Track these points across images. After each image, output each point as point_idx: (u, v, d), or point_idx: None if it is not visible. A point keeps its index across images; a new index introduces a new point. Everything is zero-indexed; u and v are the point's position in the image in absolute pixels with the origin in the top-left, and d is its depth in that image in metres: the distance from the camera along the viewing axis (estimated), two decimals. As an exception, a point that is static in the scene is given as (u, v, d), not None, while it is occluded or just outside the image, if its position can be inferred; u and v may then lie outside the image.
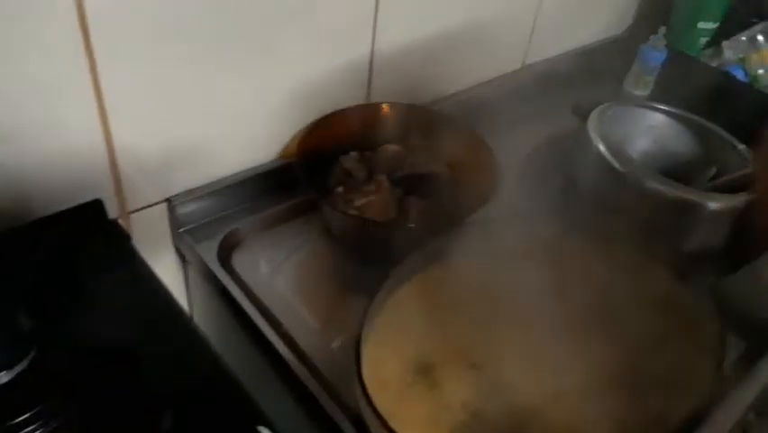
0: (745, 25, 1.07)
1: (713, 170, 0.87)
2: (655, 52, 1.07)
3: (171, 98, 0.64)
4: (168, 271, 0.76)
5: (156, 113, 0.64)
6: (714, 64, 1.08)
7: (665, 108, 0.89)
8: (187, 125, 0.67)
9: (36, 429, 0.45)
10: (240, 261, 0.71)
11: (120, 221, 0.67)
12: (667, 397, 0.56)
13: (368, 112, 0.79)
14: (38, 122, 0.56)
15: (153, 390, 0.48)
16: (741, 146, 0.86)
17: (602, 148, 0.79)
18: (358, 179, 0.74)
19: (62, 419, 0.45)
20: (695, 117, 0.89)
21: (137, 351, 0.51)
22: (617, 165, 0.77)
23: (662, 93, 1.09)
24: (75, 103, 0.57)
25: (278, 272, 0.70)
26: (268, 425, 0.49)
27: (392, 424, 0.50)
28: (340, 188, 0.73)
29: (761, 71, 1.04)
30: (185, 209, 0.71)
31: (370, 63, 0.80)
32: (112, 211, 0.66)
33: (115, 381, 0.48)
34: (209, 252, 0.70)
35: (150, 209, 0.70)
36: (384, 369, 0.57)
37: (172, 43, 0.61)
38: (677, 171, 0.85)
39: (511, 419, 0.54)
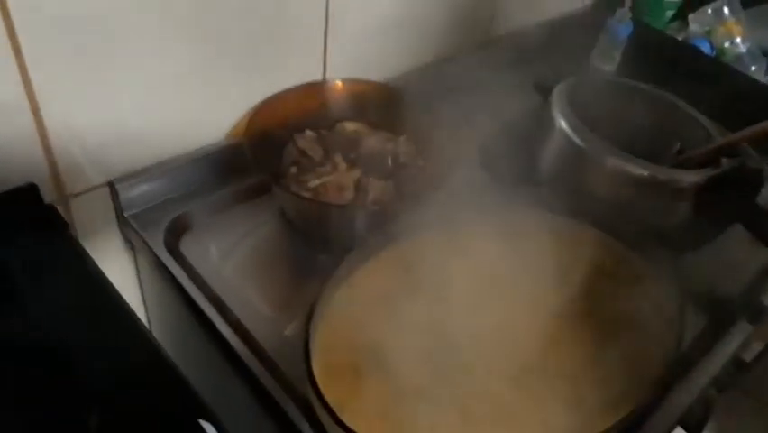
0: (710, -2, 1.05)
1: (677, 146, 0.86)
2: (621, 26, 1.05)
3: (108, 75, 0.60)
4: (117, 259, 0.73)
5: (92, 90, 0.60)
6: (680, 37, 1.07)
7: (629, 83, 0.88)
8: (128, 103, 0.63)
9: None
10: (189, 246, 0.67)
11: (58, 207, 0.64)
12: (625, 377, 0.55)
13: (323, 89, 0.76)
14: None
15: (85, 387, 0.45)
16: (705, 121, 0.84)
17: (563, 124, 0.77)
18: (313, 160, 0.71)
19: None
20: (660, 92, 0.87)
21: (70, 347, 0.48)
22: (578, 141, 0.76)
23: (629, 67, 1.07)
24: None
25: (228, 258, 0.67)
26: (210, 418, 0.47)
27: (343, 416, 0.48)
28: (293, 169, 0.70)
29: (727, 44, 1.03)
30: (129, 193, 0.67)
31: (325, 39, 0.76)
32: (48, 195, 0.62)
33: (44, 380, 0.45)
34: (156, 238, 0.66)
35: (91, 193, 0.66)
36: (335, 358, 0.55)
37: (107, 15, 0.56)
38: (641, 147, 0.83)
39: (466, 403, 0.52)
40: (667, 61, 1.01)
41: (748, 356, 0.73)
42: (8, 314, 0.50)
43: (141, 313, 0.79)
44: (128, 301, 0.55)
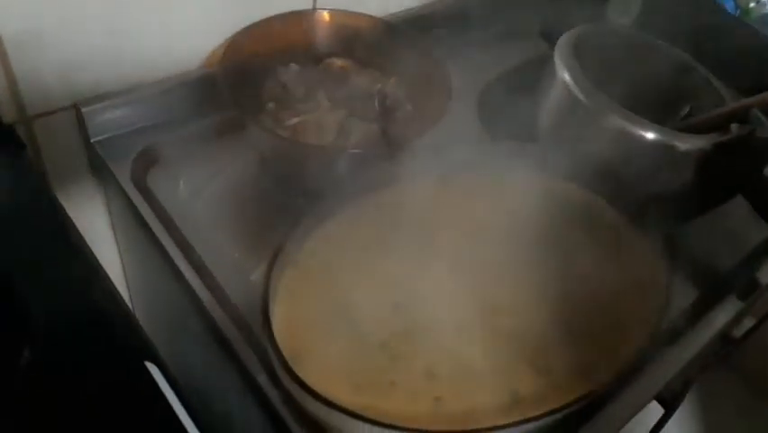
0: (741, -49, 0.98)
1: (687, 108, 0.81)
2: (642, -25, 0.98)
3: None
4: (85, 190, 0.70)
5: (55, 4, 0.55)
6: (704, -8, 1.00)
7: (643, 37, 0.82)
8: (98, 21, 0.59)
9: None
10: (156, 180, 0.64)
11: (19, 128, 0.60)
12: (599, 349, 0.52)
13: (310, 20, 0.71)
14: None
15: (28, 318, 0.42)
16: (718, 83, 0.79)
17: (567, 77, 0.72)
18: (294, 96, 0.67)
19: None
20: (675, 50, 0.82)
21: (17, 274, 0.45)
22: (582, 97, 0.71)
23: (647, 21, 1.01)
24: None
25: (197, 196, 0.63)
26: (156, 361, 0.44)
27: (299, 368, 0.46)
28: (271, 105, 0.65)
29: (752, 4, 0.96)
30: (96, 118, 0.63)
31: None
32: (8, 115, 0.58)
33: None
34: (123, 168, 0.63)
35: (55, 115, 0.62)
36: (299, 305, 0.52)
37: None
38: (650, 107, 0.79)
39: (429, 360, 0.50)
40: (688, 18, 0.95)
41: (738, 332, 0.70)
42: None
43: (111, 246, 0.76)
44: (97, 235, 0.52)
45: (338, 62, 0.71)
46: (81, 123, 0.63)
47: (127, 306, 0.48)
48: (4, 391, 0.40)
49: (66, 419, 0.41)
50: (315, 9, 0.73)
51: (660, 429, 0.64)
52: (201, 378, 0.58)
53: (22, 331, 0.41)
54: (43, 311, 0.44)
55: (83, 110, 0.62)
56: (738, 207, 0.73)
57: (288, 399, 0.48)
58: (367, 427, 0.44)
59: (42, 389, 0.40)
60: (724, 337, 0.75)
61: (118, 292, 0.48)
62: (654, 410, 0.66)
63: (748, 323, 0.68)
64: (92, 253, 0.51)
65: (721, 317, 0.64)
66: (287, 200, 0.64)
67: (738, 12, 0.98)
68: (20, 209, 0.53)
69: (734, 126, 0.71)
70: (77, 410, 0.41)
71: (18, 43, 0.55)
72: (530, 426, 0.46)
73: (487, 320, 0.53)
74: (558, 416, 0.48)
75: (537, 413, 0.46)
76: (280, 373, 0.47)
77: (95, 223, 0.71)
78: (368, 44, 0.73)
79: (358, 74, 0.71)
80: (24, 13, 0.54)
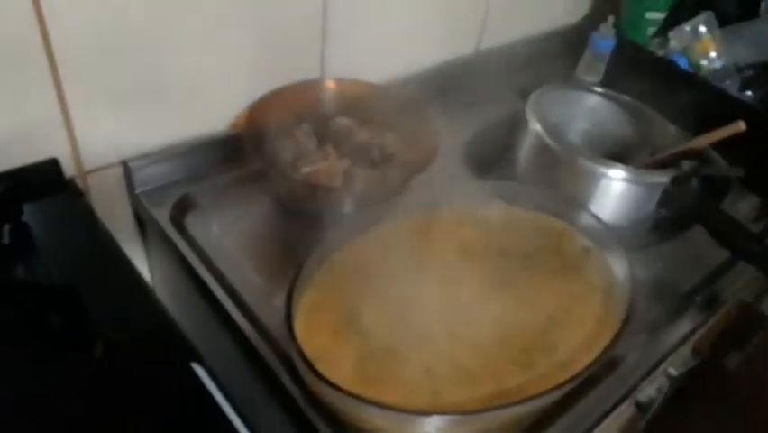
0: (691, 15, 1.12)
1: (647, 151, 0.92)
2: (605, 40, 1.12)
3: (125, 67, 0.68)
4: (127, 232, 0.81)
5: (110, 78, 0.68)
6: (661, 53, 1.14)
7: (602, 91, 0.95)
8: (141, 93, 0.71)
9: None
10: (193, 223, 0.75)
11: (77, 180, 0.71)
12: (574, 348, 0.61)
13: (318, 87, 0.84)
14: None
15: (92, 327, 0.52)
16: (676, 130, 0.91)
17: (538, 127, 0.84)
18: (307, 149, 0.79)
19: (6, 348, 0.49)
20: (631, 100, 0.94)
21: (81, 293, 0.54)
22: (551, 143, 0.82)
23: (613, 80, 1.14)
24: (32, 73, 0.62)
25: (228, 234, 0.74)
26: (200, 362, 0.54)
27: (318, 365, 0.55)
28: (288, 157, 0.77)
29: (703, 61, 1.09)
30: (141, 172, 0.75)
31: (323, 42, 0.84)
32: (69, 170, 0.70)
33: (59, 315, 0.52)
34: (163, 213, 0.74)
35: (106, 171, 0.74)
36: (316, 318, 0.61)
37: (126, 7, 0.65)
38: (614, 151, 0.90)
39: (427, 360, 0.59)
40: (647, 75, 1.07)
41: (702, 344, 0.79)
42: (31, 265, 0.57)
43: (146, 276, 0.86)
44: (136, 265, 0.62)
45: (343, 121, 0.83)
46: (128, 176, 0.74)
47: (172, 316, 0.57)
48: (82, 377, 0.49)
49: (126, 409, 0.49)
50: (322, 79, 0.86)
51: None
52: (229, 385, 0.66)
53: (93, 331, 0.51)
54: (106, 320, 0.54)
55: (130, 165, 0.74)
56: (698, 236, 0.83)
57: (309, 395, 0.57)
58: (377, 411, 0.52)
59: (111, 376, 0.50)
60: (694, 350, 0.83)
61: (164, 306, 0.58)
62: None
63: (709, 335, 0.77)
64: (140, 275, 0.61)
65: (684, 326, 0.73)
66: (302, 235, 0.74)
67: (692, 68, 1.11)
68: (79, 243, 0.64)
69: (685, 162, 0.83)
70: (137, 403, 0.50)
71: (79, 113, 0.67)
72: (513, 410, 0.55)
73: (475, 329, 0.63)
74: (537, 404, 0.56)
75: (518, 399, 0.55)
76: (302, 371, 0.56)
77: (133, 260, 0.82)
78: (368, 106, 0.85)
79: (360, 130, 0.82)
80: (88, 92, 0.67)
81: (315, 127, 0.82)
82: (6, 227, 0.60)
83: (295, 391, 0.58)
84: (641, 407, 0.76)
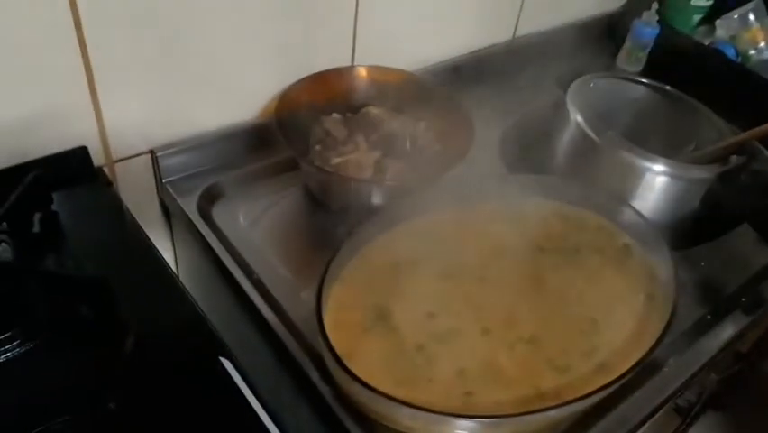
0: (739, 3, 1.07)
1: (692, 145, 0.89)
2: (648, 28, 1.07)
3: (153, 54, 0.67)
4: (154, 222, 0.80)
5: (139, 66, 0.67)
6: (707, 42, 1.09)
7: (646, 82, 0.91)
8: (170, 81, 0.70)
9: (12, 349, 0.48)
10: (219, 213, 0.73)
11: (105, 169, 0.71)
12: (612, 351, 0.58)
13: (349, 75, 0.81)
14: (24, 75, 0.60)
15: (121, 316, 0.51)
16: (721, 123, 0.87)
17: (579, 118, 0.80)
18: (337, 139, 0.77)
19: (37, 341, 0.49)
20: (675, 91, 0.90)
21: (110, 282, 0.53)
22: (592, 135, 0.79)
23: (655, 70, 1.10)
24: (62, 60, 0.61)
25: (255, 225, 0.73)
26: (228, 357, 0.52)
27: (348, 363, 0.53)
28: (318, 147, 0.75)
29: (752, 51, 1.04)
30: (168, 161, 0.74)
31: (354, 28, 0.82)
32: (97, 159, 0.69)
33: (88, 305, 0.51)
34: (190, 203, 0.73)
35: (134, 159, 0.73)
36: (345, 314, 0.60)
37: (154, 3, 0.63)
38: (657, 145, 0.86)
39: (460, 360, 0.57)
40: (692, 65, 1.03)
41: (744, 347, 0.75)
42: (60, 253, 0.57)
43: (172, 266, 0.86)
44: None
45: (374, 110, 0.81)
46: (156, 166, 0.73)
47: (202, 310, 0.56)
48: (113, 370, 0.48)
49: (156, 402, 0.49)
50: (353, 66, 0.84)
51: (678, 439, 0.68)
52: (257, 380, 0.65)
53: (124, 325, 0.50)
54: (135, 312, 0.53)
55: (157, 155, 0.73)
56: (745, 235, 0.79)
57: (338, 393, 0.56)
58: (408, 411, 0.51)
59: (142, 370, 0.49)
60: (736, 354, 0.80)
61: (193, 299, 0.57)
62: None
63: (752, 337, 0.73)
64: (169, 266, 0.60)
65: (728, 329, 0.70)
66: (331, 228, 0.73)
67: (739, 58, 1.06)
68: (107, 233, 0.63)
69: (733, 157, 0.79)
70: (166, 396, 0.49)
71: (108, 102, 0.66)
72: (550, 414, 0.52)
73: (510, 326, 0.60)
74: (575, 408, 0.54)
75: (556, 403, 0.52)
76: (333, 369, 0.54)
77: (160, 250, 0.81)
78: (399, 94, 0.83)
79: (391, 120, 0.80)
80: (119, 82, 0.66)
81: (346, 116, 0.80)
82: (37, 216, 0.59)
83: (323, 387, 0.57)
84: (681, 411, 0.73)
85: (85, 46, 0.61)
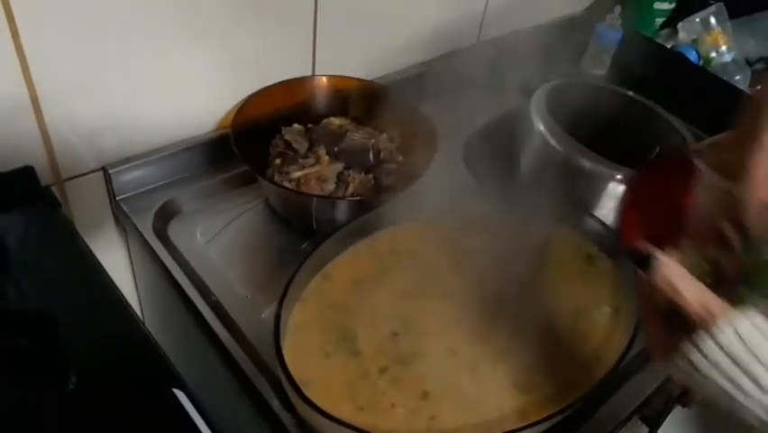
0: (701, 6, 1.08)
1: (656, 150, 0.89)
2: (611, 32, 1.07)
3: (103, 68, 0.64)
4: (110, 241, 0.77)
5: (86, 80, 0.64)
6: (669, 45, 1.09)
7: (610, 88, 0.90)
8: (121, 94, 0.67)
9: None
10: (176, 230, 0.71)
11: (54, 189, 0.67)
12: (578, 368, 0.58)
13: (310, 85, 0.79)
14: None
15: (68, 353, 0.49)
16: (683, 127, 0.87)
17: (542, 127, 0.80)
18: (298, 152, 0.75)
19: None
20: (639, 97, 0.90)
21: (55, 315, 0.50)
22: (554, 144, 0.78)
23: (618, 72, 1.10)
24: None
25: (213, 242, 0.70)
26: (182, 388, 0.50)
27: (308, 392, 0.51)
28: (278, 160, 0.73)
29: (713, 54, 1.05)
30: (122, 178, 0.71)
31: (314, 36, 0.80)
32: (45, 178, 0.66)
33: (31, 343, 0.48)
34: (146, 221, 0.70)
35: (85, 177, 0.70)
36: (306, 336, 0.58)
37: (101, 11, 0.60)
38: (621, 151, 0.86)
39: (424, 383, 0.55)
40: (655, 68, 1.03)
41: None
42: (2, 281, 0.53)
43: (131, 291, 0.83)
44: (119, 280, 0.58)
45: (336, 121, 0.79)
46: (108, 183, 0.70)
47: (155, 339, 0.54)
48: (55, 412, 0.46)
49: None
50: (313, 75, 0.82)
51: (646, 448, 0.68)
52: (215, 408, 0.63)
53: (67, 362, 0.47)
54: (83, 345, 0.51)
55: (110, 171, 0.70)
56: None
57: (300, 422, 0.54)
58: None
59: (86, 410, 0.46)
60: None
61: (145, 327, 0.55)
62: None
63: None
64: (120, 293, 0.57)
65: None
66: (293, 244, 0.71)
67: (701, 61, 1.06)
68: (55, 258, 0.60)
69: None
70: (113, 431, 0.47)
71: (55, 117, 0.63)
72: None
73: (475, 346, 0.59)
74: (538, 428, 0.53)
75: (519, 426, 0.51)
76: (292, 397, 0.53)
77: (116, 271, 0.78)
78: (361, 104, 0.81)
79: (353, 131, 0.78)
80: (63, 90, 0.62)
81: (306, 127, 0.78)
82: (-23, 241, 0.56)
83: (284, 415, 0.55)
84: (647, 421, 0.73)
85: (24, 56, 0.58)
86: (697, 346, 0.38)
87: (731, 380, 0.38)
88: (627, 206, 0.63)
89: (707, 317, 0.39)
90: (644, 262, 0.42)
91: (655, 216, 0.58)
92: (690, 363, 0.39)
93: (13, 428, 0.45)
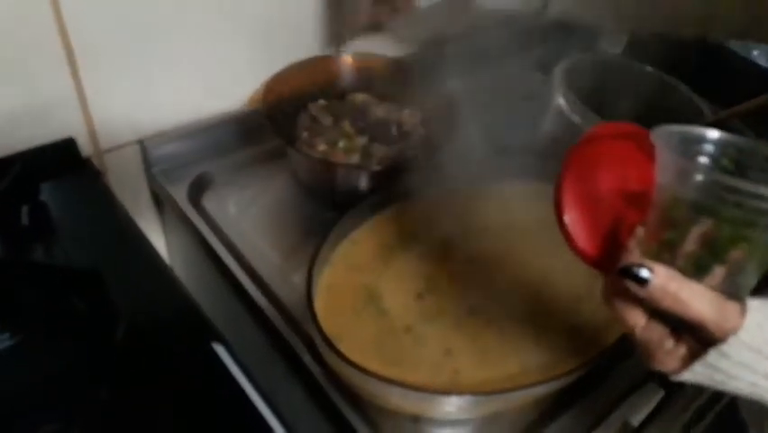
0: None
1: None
2: (629, 10, 1.08)
3: (144, 39, 0.67)
4: (145, 210, 0.80)
5: (127, 54, 0.67)
6: (687, 22, 1.10)
7: (628, 62, 0.92)
8: (159, 69, 0.70)
9: (2, 341, 0.49)
10: (210, 201, 0.74)
11: (93, 159, 0.71)
12: (596, 328, 0.60)
13: (334, 62, 0.82)
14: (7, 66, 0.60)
15: (112, 307, 0.52)
16: (702, 102, 0.88)
17: (562, 101, 0.81)
18: (323, 126, 0.77)
19: (27, 332, 0.50)
20: (658, 72, 0.91)
21: (101, 272, 0.54)
22: (575, 118, 0.80)
23: (637, 49, 1.11)
24: (44, 49, 0.61)
25: (245, 213, 0.73)
26: (222, 342, 0.54)
27: (339, 345, 0.54)
28: (305, 134, 0.76)
29: (732, 30, 1.05)
30: (157, 151, 0.74)
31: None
32: (85, 150, 0.69)
33: (78, 297, 0.52)
34: (180, 192, 0.73)
35: (122, 150, 0.73)
36: (336, 296, 0.61)
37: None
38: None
39: (447, 340, 0.58)
40: (673, 45, 1.04)
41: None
42: (50, 244, 0.57)
43: (164, 255, 0.86)
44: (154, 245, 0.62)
45: (360, 97, 0.82)
46: (144, 155, 0.74)
47: (193, 297, 0.57)
48: (105, 360, 0.49)
49: (150, 390, 0.50)
50: (338, 53, 0.84)
51: (661, 411, 0.70)
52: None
53: (115, 317, 0.51)
54: (127, 302, 0.54)
55: (146, 144, 0.73)
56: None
57: (330, 374, 0.57)
58: (398, 390, 0.52)
59: (134, 363, 0.50)
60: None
61: (185, 287, 0.58)
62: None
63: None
64: (160, 256, 0.61)
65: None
66: (319, 213, 0.74)
67: (720, 38, 1.07)
68: (98, 224, 0.64)
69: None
70: (159, 384, 0.50)
71: (95, 92, 0.67)
72: (536, 390, 0.54)
73: (497, 307, 0.62)
74: (561, 383, 0.55)
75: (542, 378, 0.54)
76: (323, 350, 0.56)
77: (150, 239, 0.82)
78: (385, 80, 0.83)
79: (377, 106, 0.81)
80: (104, 69, 0.66)
81: (330, 102, 0.81)
82: (25, 208, 0.60)
83: (315, 369, 0.58)
84: (667, 386, 0.75)
85: (67, 35, 0.61)
86: (720, 351, 0.36)
87: (762, 373, 0.36)
88: (566, 194, 0.53)
89: (723, 324, 0.35)
90: (626, 274, 0.37)
91: (597, 199, 0.51)
92: (714, 367, 0.36)
93: (69, 375, 0.48)
